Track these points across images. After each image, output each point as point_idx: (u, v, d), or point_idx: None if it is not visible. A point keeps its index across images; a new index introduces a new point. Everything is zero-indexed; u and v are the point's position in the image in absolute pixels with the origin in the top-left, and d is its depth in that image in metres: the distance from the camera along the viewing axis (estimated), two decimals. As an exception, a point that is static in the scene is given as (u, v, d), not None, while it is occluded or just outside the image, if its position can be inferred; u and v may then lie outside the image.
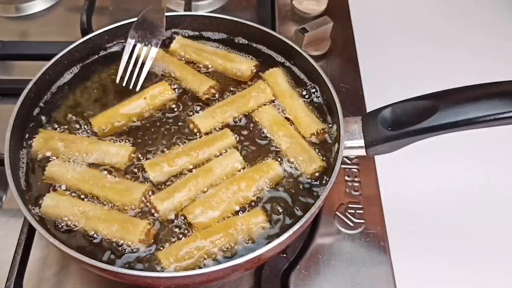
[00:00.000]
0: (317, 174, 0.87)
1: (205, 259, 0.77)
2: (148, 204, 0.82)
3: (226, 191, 0.82)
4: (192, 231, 0.80)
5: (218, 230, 0.79)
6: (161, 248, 0.78)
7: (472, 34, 1.39)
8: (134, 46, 0.94)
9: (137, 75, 0.94)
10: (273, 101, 0.97)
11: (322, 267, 0.89)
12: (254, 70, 1.00)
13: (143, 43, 0.94)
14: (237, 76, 1.00)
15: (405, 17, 1.44)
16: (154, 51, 0.94)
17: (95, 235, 0.78)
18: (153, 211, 0.82)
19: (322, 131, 0.92)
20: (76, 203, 0.81)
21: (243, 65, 1.00)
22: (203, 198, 0.82)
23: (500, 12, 1.45)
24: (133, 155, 0.87)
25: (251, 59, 1.02)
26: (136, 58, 0.94)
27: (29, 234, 0.86)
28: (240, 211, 0.82)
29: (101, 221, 0.79)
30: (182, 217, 0.81)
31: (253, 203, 0.83)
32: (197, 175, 0.84)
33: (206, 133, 0.91)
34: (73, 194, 0.83)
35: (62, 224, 0.79)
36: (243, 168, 0.87)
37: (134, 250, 0.77)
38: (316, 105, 0.96)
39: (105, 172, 0.85)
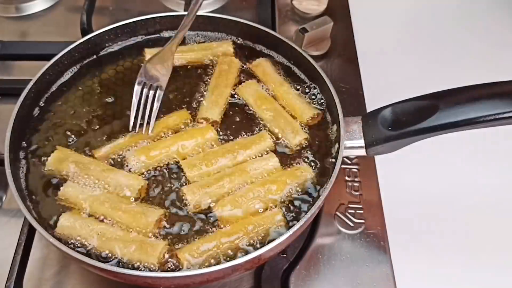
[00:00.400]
0: (302, 146, 0.90)
1: (227, 255, 0.77)
2: (180, 197, 0.83)
3: (257, 192, 0.83)
4: (215, 228, 0.80)
5: (238, 229, 0.79)
6: (183, 245, 0.78)
7: (472, 34, 1.39)
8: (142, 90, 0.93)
9: (147, 119, 0.91)
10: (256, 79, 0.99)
11: (322, 267, 0.89)
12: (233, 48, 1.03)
13: (149, 87, 0.93)
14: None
15: (405, 17, 1.44)
16: (160, 94, 0.93)
17: (109, 255, 0.77)
18: (178, 203, 0.82)
19: (317, 116, 0.93)
20: (92, 223, 0.79)
21: (222, 47, 1.02)
22: (233, 196, 0.82)
23: (500, 12, 1.45)
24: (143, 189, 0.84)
25: (229, 39, 1.05)
26: (144, 103, 0.92)
27: (29, 234, 0.86)
28: (262, 210, 0.82)
29: (118, 241, 0.77)
30: (209, 212, 0.81)
31: (277, 205, 0.83)
32: (232, 173, 0.85)
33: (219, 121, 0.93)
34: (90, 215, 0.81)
35: (74, 243, 0.78)
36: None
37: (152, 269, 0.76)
38: (316, 105, 0.96)
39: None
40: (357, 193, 0.98)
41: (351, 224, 0.94)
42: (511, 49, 1.36)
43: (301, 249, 0.91)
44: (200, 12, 1.02)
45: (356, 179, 1.00)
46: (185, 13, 1.04)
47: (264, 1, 1.33)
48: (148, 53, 1.00)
